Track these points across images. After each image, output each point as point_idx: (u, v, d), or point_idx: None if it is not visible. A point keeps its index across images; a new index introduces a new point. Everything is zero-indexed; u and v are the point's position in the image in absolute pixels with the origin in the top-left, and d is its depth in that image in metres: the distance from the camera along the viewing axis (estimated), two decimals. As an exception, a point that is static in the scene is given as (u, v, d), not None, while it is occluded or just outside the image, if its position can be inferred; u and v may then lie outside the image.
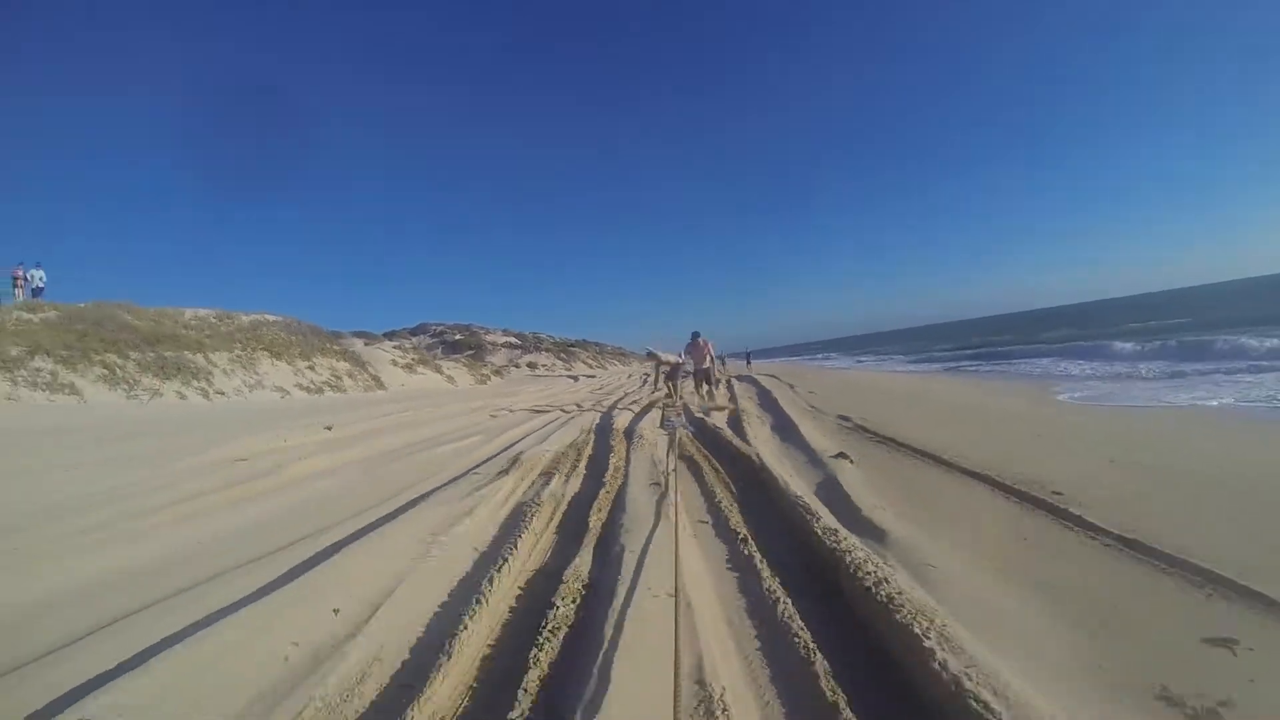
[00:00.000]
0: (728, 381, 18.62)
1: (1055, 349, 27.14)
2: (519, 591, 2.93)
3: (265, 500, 5.04)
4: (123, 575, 3.31)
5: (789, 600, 2.68)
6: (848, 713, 1.89)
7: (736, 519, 4.00)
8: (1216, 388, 11.13)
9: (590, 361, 61.46)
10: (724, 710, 1.85)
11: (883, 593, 2.50)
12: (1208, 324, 30.11)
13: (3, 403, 12.48)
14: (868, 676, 2.15)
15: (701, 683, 1.99)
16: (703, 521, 4.06)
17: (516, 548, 3.27)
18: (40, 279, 19.93)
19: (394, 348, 31.08)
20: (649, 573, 2.89)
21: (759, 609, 2.65)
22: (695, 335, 13.61)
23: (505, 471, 5.33)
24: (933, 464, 5.56)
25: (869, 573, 2.71)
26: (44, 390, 13.40)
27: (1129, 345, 21.61)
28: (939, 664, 1.98)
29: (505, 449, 7.23)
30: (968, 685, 1.86)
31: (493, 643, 2.44)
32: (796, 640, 2.33)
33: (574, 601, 2.70)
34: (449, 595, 2.86)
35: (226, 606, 2.65)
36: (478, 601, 2.59)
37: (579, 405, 13.91)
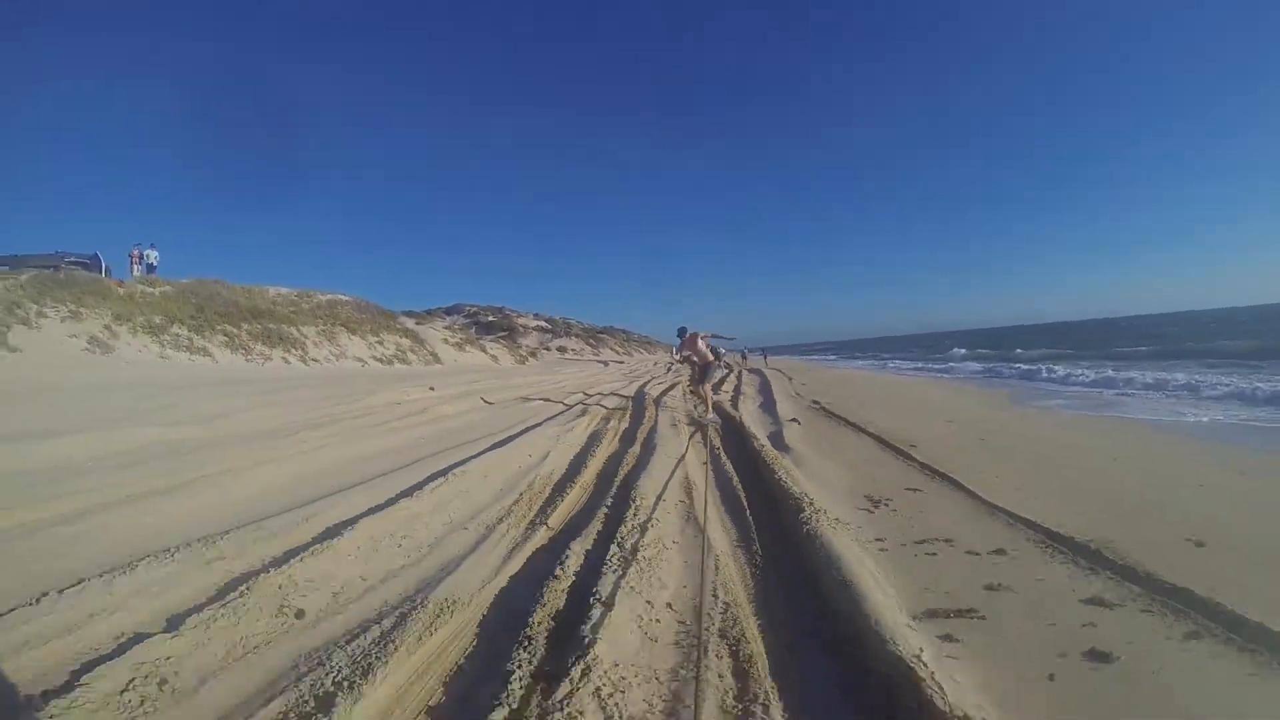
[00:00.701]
0: (738, 374, 21.67)
1: (1041, 367, 29.73)
2: (606, 457, 6.15)
3: (433, 425, 8.27)
4: (400, 448, 6.52)
5: (732, 467, 5.84)
6: (740, 493, 5.02)
7: (718, 442, 7.14)
8: (1137, 402, 14.00)
9: (617, 348, 64.20)
10: (693, 485, 4.99)
11: (772, 463, 5.64)
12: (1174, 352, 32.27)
13: (159, 361, 15.92)
14: (754, 487, 5.29)
15: (687, 481, 5.14)
16: (699, 444, 7.22)
17: (601, 443, 6.51)
18: (154, 258, 23.34)
19: (444, 328, 34.57)
20: (669, 453, 6.05)
21: (717, 468, 5.81)
22: (682, 331, 11.23)
23: (581, 415, 8.58)
24: (850, 428, 8.64)
25: (771, 458, 5.85)
26: (185, 352, 16.85)
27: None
28: (779, 480, 5.09)
29: (573, 406, 10.47)
30: (786, 483, 4.96)
31: (600, 468, 5.67)
32: (730, 476, 5.49)
33: (633, 459, 5.89)
34: (574, 456, 6.09)
35: (474, 455, 5.84)
36: (590, 456, 5.81)
37: (611, 392, 17.18)
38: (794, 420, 9.09)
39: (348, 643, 2.39)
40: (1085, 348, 43.90)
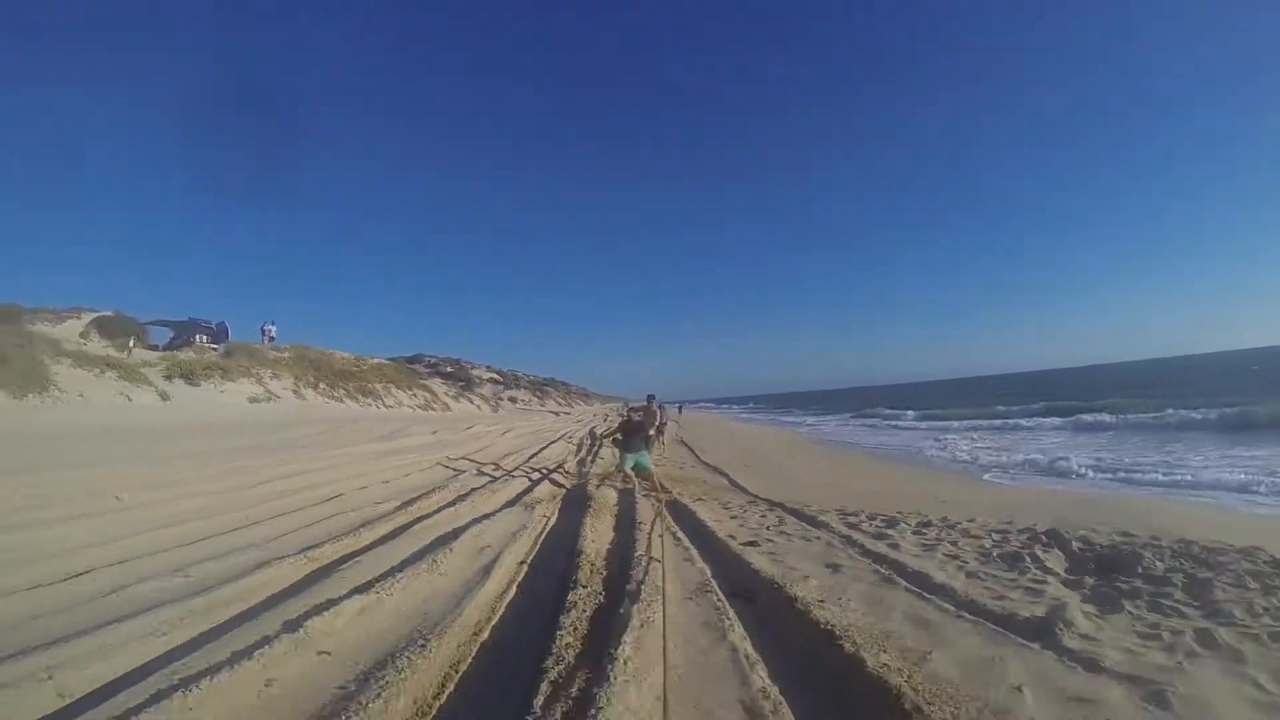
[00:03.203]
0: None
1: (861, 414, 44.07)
2: (588, 443, 19.25)
3: (513, 439, 21.01)
4: (527, 441, 19.34)
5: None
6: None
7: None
8: (901, 434, 27.72)
9: (560, 400, 76.39)
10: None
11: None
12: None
13: (325, 405, 28.03)
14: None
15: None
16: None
17: (583, 442, 19.65)
18: (274, 331, 35.23)
19: (442, 382, 46.79)
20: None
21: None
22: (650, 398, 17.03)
23: (570, 438, 21.59)
24: (685, 447, 21.82)
25: (641, 448, 19.10)
26: (332, 400, 28.99)
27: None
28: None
29: (561, 435, 23.47)
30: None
31: (585, 447, 18.80)
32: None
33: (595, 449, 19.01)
34: (578, 446, 19.11)
35: (560, 436, 18.79)
36: (589, 437, 18.94)
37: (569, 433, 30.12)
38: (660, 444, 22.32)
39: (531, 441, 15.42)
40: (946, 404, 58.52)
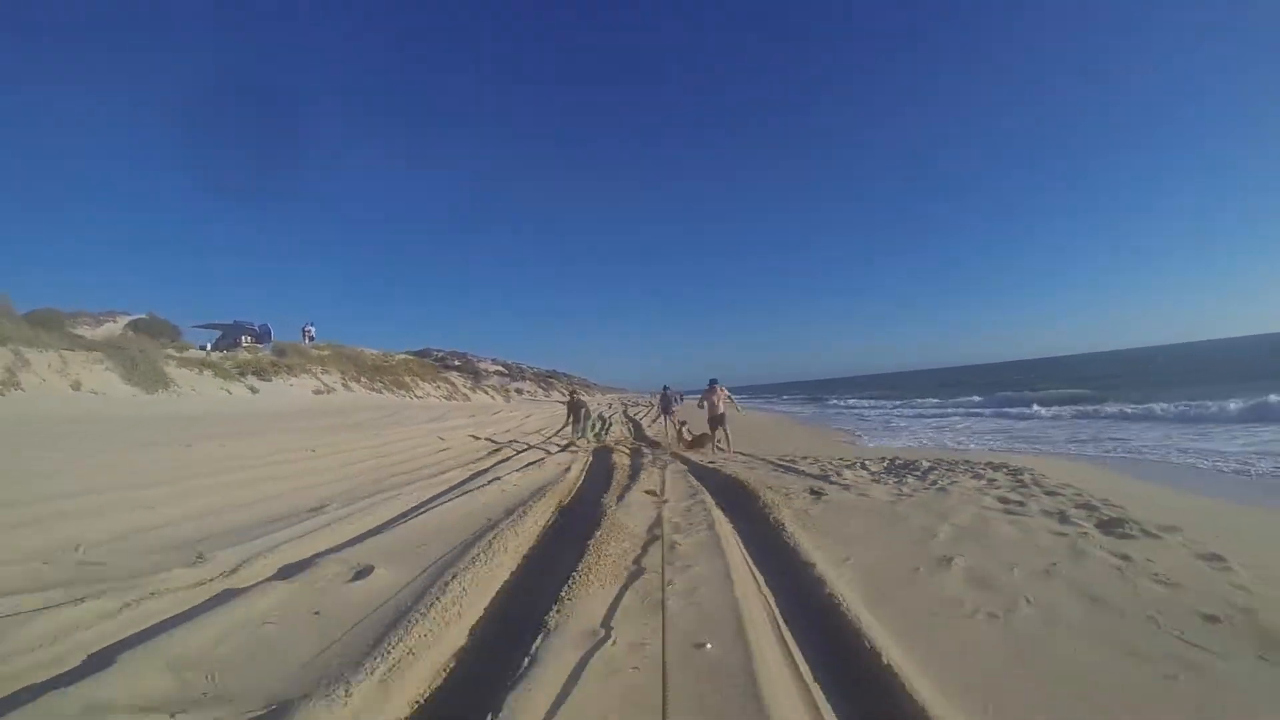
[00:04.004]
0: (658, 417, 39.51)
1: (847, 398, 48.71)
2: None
3: (536, 421, 25.56)
4: (547, 422, 23.89)
5: (632, 424, 23.66)
6: (631, 429, 22.75)
7: (626, 427, 24.89)
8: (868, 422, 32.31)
9: (564, 390, 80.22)
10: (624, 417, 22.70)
11: (646, 429, 23.43)
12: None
13: (369, 396, 32.51)
14: (635, 430, 23.07)
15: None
16: (625, 425, 24.92)
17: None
18: (313, 331, 39.42)
19: (459, 375, 51.34)
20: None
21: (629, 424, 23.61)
22: (713, 382, 17.19)
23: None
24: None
25: (645, 426, 23.66)
26: (373, 392, 33.44)
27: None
28: (642, 431, 22.82)
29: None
30: (643, 430, 22.65)
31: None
32: (632, 430, 23.29)
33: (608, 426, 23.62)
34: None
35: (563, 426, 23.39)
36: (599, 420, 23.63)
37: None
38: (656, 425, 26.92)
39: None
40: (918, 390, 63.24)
